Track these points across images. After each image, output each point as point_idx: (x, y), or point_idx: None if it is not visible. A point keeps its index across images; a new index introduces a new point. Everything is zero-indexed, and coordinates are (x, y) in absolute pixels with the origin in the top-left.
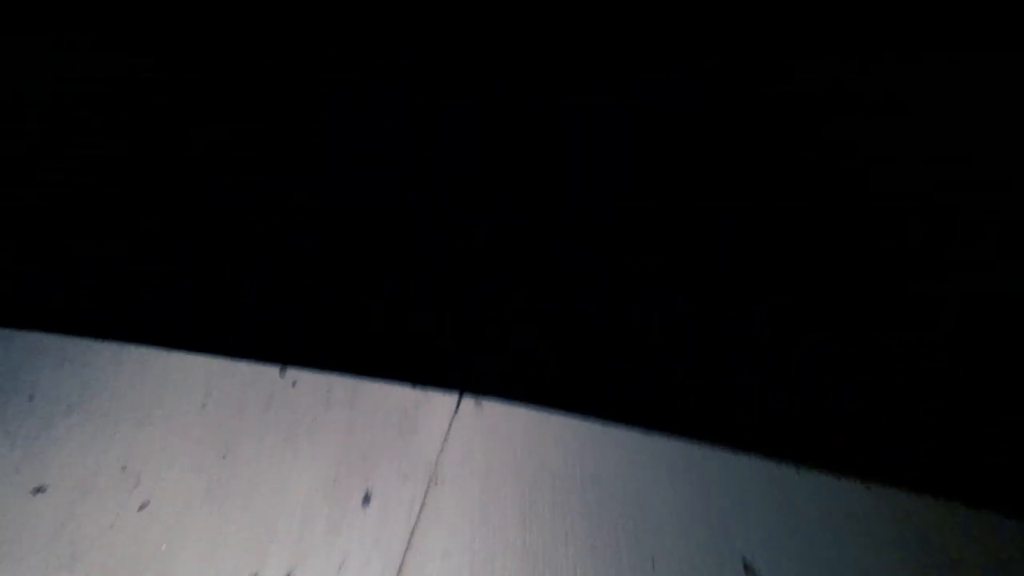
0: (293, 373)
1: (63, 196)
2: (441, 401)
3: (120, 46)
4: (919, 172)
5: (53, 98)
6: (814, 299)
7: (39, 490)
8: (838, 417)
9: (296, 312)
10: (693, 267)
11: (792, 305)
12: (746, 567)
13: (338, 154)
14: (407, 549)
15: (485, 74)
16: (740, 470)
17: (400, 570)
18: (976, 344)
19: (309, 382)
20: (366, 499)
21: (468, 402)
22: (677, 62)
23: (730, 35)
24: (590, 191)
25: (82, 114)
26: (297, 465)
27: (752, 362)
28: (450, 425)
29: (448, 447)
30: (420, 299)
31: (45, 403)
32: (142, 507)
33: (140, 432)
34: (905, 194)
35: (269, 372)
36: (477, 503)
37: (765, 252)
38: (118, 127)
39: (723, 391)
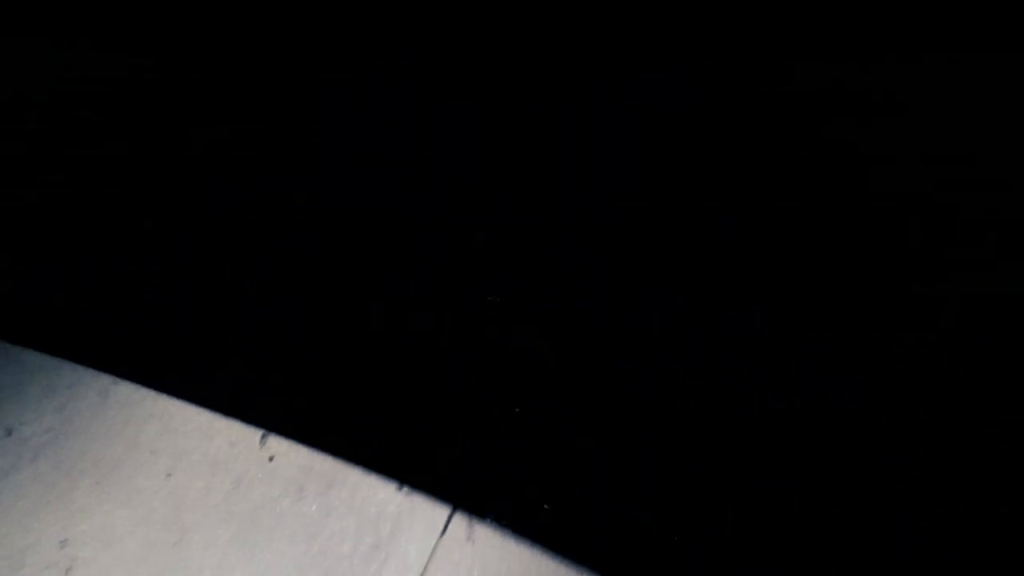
0: (274, 443)
1: (63, 196)
2: (427, 515)
3: (120, 46)
4: (919, 172)
5: (53, 98)
6: (814, 299)
7: None
8: (838, 417)
9: (296, 312)
10: (693, 267)
11: (792, 305)
12: None
13: (338, 154)
14: None
15: (485, 74)
16: None
17: None
18: (976, 344)
19: (287, 458)
20: None
21: (459, 522)
22: (677, 62)
23: (730, 35)
24: (590, 191)
25: (82, 114)
26: (247, 574)
27: (752, 362)
28: (432, 552)
29: None
30: (420, 299)
31: (19, 442)
32: None
33: (96, 497)
34: (905, 194)
35: (249, 438)
36: None
37: (765, 252)
38: (118, 127)
39: (723, 391)
